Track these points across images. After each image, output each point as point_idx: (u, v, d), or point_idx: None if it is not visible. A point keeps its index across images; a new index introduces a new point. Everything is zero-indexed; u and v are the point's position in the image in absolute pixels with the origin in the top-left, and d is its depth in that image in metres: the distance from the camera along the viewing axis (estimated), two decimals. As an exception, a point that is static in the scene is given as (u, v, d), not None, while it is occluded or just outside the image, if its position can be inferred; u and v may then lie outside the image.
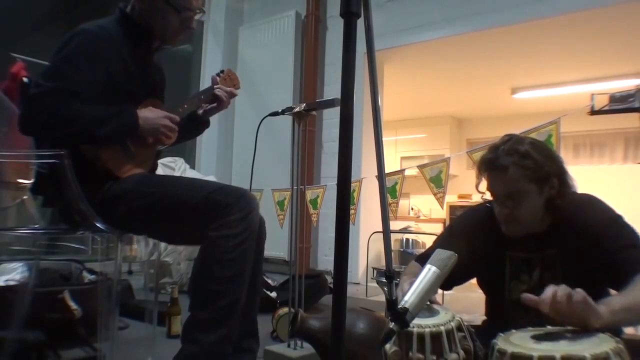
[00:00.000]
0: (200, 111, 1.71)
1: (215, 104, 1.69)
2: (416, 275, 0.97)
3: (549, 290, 0.96)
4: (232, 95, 1.71)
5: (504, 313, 1.35)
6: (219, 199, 1.34)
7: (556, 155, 1.31)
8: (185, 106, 1.61)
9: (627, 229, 1.21)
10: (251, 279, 1.44)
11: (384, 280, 1.32)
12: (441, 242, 1.44)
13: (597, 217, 1.24)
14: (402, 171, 2.58)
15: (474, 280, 1.51)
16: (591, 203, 1.28)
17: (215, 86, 1.68)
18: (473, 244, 1.35)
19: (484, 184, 1.32)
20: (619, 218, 1.23)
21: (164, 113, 1.49)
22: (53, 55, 1.38)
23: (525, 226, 1.28)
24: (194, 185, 1.43)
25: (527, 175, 1.22)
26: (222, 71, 1.76)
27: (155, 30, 1.55)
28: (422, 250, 1.68)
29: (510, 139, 1.29)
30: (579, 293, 0.94)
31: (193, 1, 1.54)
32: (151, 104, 1.52)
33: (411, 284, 0.94)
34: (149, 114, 1.45)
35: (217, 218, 1.31)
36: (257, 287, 1.57)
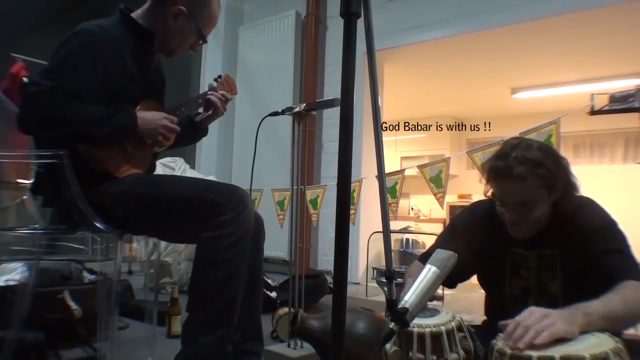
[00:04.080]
0: (198, 118, 1.70)
1: (210, 112, 1.67)
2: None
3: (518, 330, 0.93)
4: (226, 99, 1.69)
5: (503, 310, 1.35)
6: (210, 198, 1.32)
7: (562, 158, 1.30)
8: (183, 109, 1.61)
9: (618, 235, 1.21)
10: (251, 279, 1.43)
11: (384, 280, 1.32)
12: (443, 239, 1.44)
13: (591, 219, 1.24)
14: (402, 171, 2.58)
15: (474, 280, 1.52)
16: (589, 206, 1.29)
17: (209, 92, 1.67)
18: (475, 240, 1.35)
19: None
20: (612, 224, 1.23)
21: (163, 114, 1.49)
22: (52, 54, 1.38)
23: (533, 229, 1.29)
24: (188, 184, 1.42)
25: (541, 184, 1.21)
26: (219, 76, 1.75)
27: (167, 46, 1.58)
28: (422, 250, 1.68)
29: (519, 144, 1.26)
30: (541, 328, 0.91)
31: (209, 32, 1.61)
32: (148, 106, 1.52)
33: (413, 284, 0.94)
34: (147, 115, 1.45)
35: (209, 218, 1.30)
36: (258, 288, 1.56)
